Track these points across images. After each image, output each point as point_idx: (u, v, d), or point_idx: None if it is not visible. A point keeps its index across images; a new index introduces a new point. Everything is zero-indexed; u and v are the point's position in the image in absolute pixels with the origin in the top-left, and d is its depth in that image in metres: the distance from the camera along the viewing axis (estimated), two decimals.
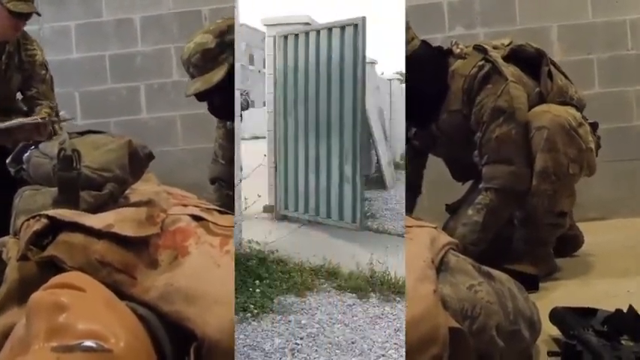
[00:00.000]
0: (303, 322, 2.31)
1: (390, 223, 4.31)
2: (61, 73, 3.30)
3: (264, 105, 4.78)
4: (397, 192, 6.15)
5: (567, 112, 2.25)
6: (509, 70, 2.27)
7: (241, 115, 3.38)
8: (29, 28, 3.02)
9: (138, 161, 1.72)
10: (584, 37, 3.36)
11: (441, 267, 1.44)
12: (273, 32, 4.30)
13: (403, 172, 8.10)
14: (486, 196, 2.24)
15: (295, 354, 2.03)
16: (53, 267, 1.25)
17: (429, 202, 2.87)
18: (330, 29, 3.82)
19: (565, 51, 3.35)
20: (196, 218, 1.45)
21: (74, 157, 1.50)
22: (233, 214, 1.63)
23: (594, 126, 2.35)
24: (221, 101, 2.34)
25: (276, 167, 4.33)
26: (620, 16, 3.37)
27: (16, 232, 1.40)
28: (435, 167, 2.74)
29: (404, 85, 11.29)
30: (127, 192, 1.67)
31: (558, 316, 1.65)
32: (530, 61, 2.39)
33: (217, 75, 2.23)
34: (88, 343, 1.00)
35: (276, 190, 4.33)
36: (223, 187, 2.54)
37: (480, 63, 2.28)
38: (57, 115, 2.88)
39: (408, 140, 2.63)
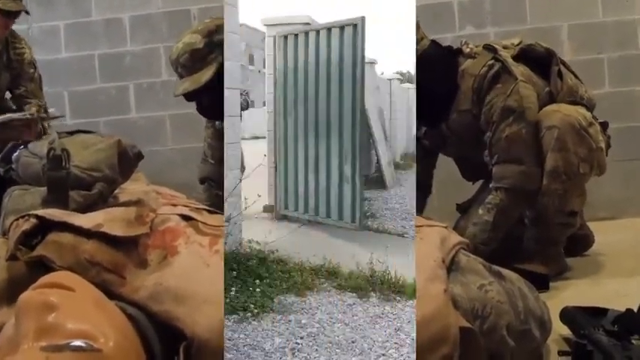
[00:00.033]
0: (303, 321, 2.31)
1: (390, 223, 4.30)
2: (50, 73, 3.29)
3: (264, 105, 4.79)
4: (397, 191, 6.15)
5: (578, 111, 2.24)
6: (519, 69, 2.27)
7: (241, 115, 3.39)
8: (18, 27, 3.01)
9: (127, 161, 1.73)
10: (595, 36, 3.35)
11: (451, 266, 1.43)
12: (273, 32, 4.30)
13: (403, 172, 8.11)
14: (497, 195, 2.25)
15: (296, 353, 2.03)
16: (42, 267, 1.24)
17: (439, 201, 2.87)
18: (329, 29, 3.82)
19: (575, 50, 3.33)
20: (186, 218, 1.45)
21: (63, 156, 1.50)
22: (222, 214, 1.62)
23: (604, 125, 2.35)
24: (210, 101, 2.34)
25: (276, 167, 4.33)
26: (630, 15, 3.35)
27: (5, 232, 1.39)
28: (445, 167, 2.74)
29: (404, 85, 11.29)
30: (116, 192, 1.67)
31: (569, 315, 1.65)
32: (540, 60, 2.39)
33: (206, 75, 2.23)
34: (78, 342, 1.00)
35: (276, 189, 4.33)
36: (213, 187, 2.53)
37: (490, 62, 2.27)
38: (46, 111, 2.87)
39: (418, 140, 2.64)
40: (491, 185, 2.30)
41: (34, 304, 1.06)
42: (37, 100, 2.93)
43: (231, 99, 3.12)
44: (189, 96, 2.30)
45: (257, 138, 6.11)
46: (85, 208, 1.49)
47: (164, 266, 1.30)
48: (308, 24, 4.26)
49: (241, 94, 3.57)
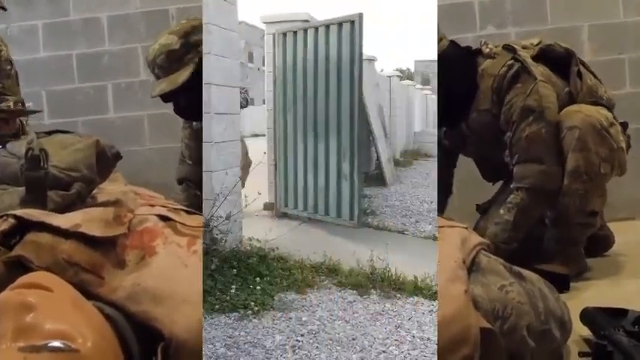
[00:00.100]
0: (303, 318, 2.30)
1: (390, 220, 4.30)
2: (28, 72, 3.27)
3: (264, 103, 4.79)
4: (397, 189, 6.15)
5: (599, 112, 2.24)
6: (539, 69, 2.27)
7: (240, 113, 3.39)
8: None
9: (105, 161, 1.71)
10: (615, 36, 3.33)
11: (472, 267, 1.43)
12: (273, 30, 4.30)
13: (403, 169, 8.12)
14: (517, 195, 2.25)
15: (296, 351, 2.02)
16: (20, 267, 1.24)
17: (459, 201, 2.88)
18: (327, 26, 3.81)
19: (596, 51, 3.32)
20: (164, 218, 1.45)
21: (42, 156, 1.49)
22: (201, 215, 1.62)
23: (624, 125, 2.35)
24: (187, 102, 2.33)
25: (275, 165, 4.33)
26: None
27: None
28: (465, 167, 2.75)
29: (404, 82, 11.27)
30: (94, 192, 1.66)
31: (589, 316, 1.64)
32: (559, 60, 2.39)
33: (182, 76, 2.22)
34: (56, 343, 1.00)
35: (276, 187, 4.33)
36: (191, 188, 2.53)
37: (509, 62, 2.27)
38: (23, 105, 2.87)
39: (438, 140, 2.65)
40: (512, 185, 2.30)
41: (12, 304, 1.05)
42: (14, 97, 2.92)
43: (230, 97, 3.13)
44: (166, 97, 2.29)
45: (257, 136, 6.11)
46: (63, 209, 1.48)
47: (142, 266, 1.30)
48: (307, 21, 4.25)
49: (240, 91, 3.57)
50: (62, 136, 1.77)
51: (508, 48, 2.36)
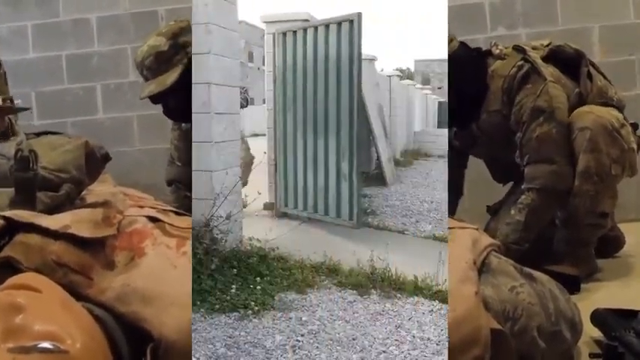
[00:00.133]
0: (304, 318, 2.30)
1: (390, 220, 4.29)
2: (17, 73, 3.25)
3: (264, 102, 4.78)
4: (397, 188, 6.15)
5: (609, 113, 2.25)
6: (549, 70, 2.27)
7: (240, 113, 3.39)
8: None
9: (94, 162, 1.72)
10: (626, 38, 3.32)
11: (482, 268, 1.44)
12: (273, 29, 4.29)
13: (403, 168, 8.12)
14: (528, 195, 2.25)
15: (296, 350, 2.02)
16: (9, 268, 1.24)
17: (469, 203, 2.88)
18: (327, 26, 3.80)
19: (606, 52, 3.31)
20: (153, 219, 1.45)
21: (31, 157, 1.48)
22: (190, 216, 1.63)
23: (635, 126, 2.35)
24: (175, 103, 2.33)
25: (276, 165, 4.33)
26: None
27: None
28: (476, 168, 2.75)
29: (404, 82, 11.24)
30: (83, 193, 1.66)
31: (600, 317, 1.64)
32: (569, 61, 2.39)
33: (171, 77, 2.22)
34: (45, 344, 1.00)
35: (276, 187, 4.33)
36: (180, 189, 2.54)
37: (519, 63, 2.29)
38: (12, 102, 2.86)
39: (448, 141, 2.66)
40: (523, 186, 2.30)
41: (1, 305, 1.06)
42: (2, 95, 2.92)
43: (230, 96, 3.13)
44: (154, 98, 2.29)
45: (257, 135, 6.10)
46: (52, 210, 1.48)
47: (131, 267, 1.31)
48: (307, 20, 4.25)
49: (241, 91, 3.57)
50: (51, 138, 1.77)
51: (518, 49, 2.36)
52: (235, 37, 3.17)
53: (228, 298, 2.44)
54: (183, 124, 2.50)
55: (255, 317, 2.31)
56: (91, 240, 1.32)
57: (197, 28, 2.88)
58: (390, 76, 8.81)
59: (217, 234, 2.77)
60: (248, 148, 5.08)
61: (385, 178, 6.37)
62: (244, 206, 4.73)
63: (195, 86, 2.89)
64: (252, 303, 2.40)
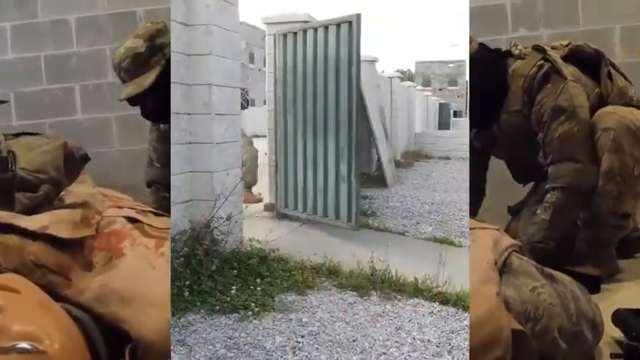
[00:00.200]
0: (304, 320, 2.31)
1: (390, 221, 4.30)
2: None
3: (265, 103, 4.78)
4: (398, 190, 6.15)
5: (632, 113, 2.26)
6: (569, 69, 2.28)
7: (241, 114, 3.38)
8: None
9: (73, 163, 1.72)
10: None
11: (504, 269, 1.44)
12: (274, 30, 4.30)
13: (404, 170, 8.12)
14: (553, 194, 2.26)
15: (296, 352, 2.02)
16: None
17: (490, 203, 2.88)
18: (326, 27, 3.81)
19: (627, 53, 3.32)
20: (131, 220, 1.46)
21: (9, 158, 1.49)
22: (169, 217, 1.62)
23: None
24: (154, 104, 2.33)
25: (276, 166, 4.33)
26: None
27: None
28: (497, 169, 2.75)
29: (405, 83, 11.25)
30: (62, 194, 1.66)
31: (621, 317, 1.64)
32: (589, 61, 2.39)
33: (149, 79, 2.22)
34: (23, 344, 1.01)
35: (277, 188, 4.33)
36: (160, 190, 2.54)
37: (540, 63, 2.30)
38: None
39: (470, 142, 2.66)
40: (547, 185, 2.30)
41: None
42: None
43: (231, 97, 3.13)
44: (133, 100, 2.29)
45: (257, 137, 6.10)
46: (30, 210, 1.48)
47: (110, 268, 1.31)
48: (307, 22, 4.25)
49: (241, 92, 3.57)
50: (30, 138, 1.77)
51: (538, 49, 2.37)
52: (236, 39, 3.18)
53: (229, 299, 2.44)
54: (161, 126, 2.50)
55: (255, 318, 2.31)
56: (69, 241, 1.32)
57: (198, 30, 2.89)
58: (390, 78, 8.82)
59: (218, 235, 2.77)
60: (251, 142, 5.07)
61: (386, 180, 6.37)
62: (259, 200, 4.75)
63: (196, 87, 2.90)
64: (253, 304, 2.40)
